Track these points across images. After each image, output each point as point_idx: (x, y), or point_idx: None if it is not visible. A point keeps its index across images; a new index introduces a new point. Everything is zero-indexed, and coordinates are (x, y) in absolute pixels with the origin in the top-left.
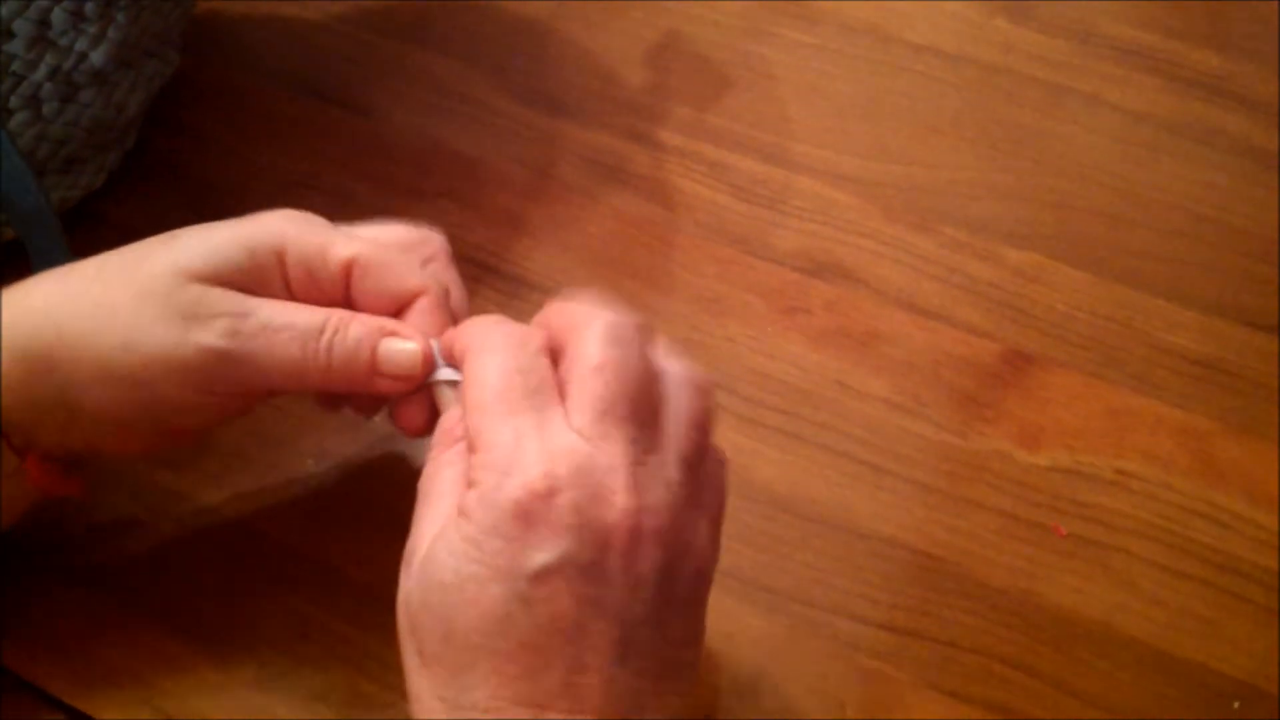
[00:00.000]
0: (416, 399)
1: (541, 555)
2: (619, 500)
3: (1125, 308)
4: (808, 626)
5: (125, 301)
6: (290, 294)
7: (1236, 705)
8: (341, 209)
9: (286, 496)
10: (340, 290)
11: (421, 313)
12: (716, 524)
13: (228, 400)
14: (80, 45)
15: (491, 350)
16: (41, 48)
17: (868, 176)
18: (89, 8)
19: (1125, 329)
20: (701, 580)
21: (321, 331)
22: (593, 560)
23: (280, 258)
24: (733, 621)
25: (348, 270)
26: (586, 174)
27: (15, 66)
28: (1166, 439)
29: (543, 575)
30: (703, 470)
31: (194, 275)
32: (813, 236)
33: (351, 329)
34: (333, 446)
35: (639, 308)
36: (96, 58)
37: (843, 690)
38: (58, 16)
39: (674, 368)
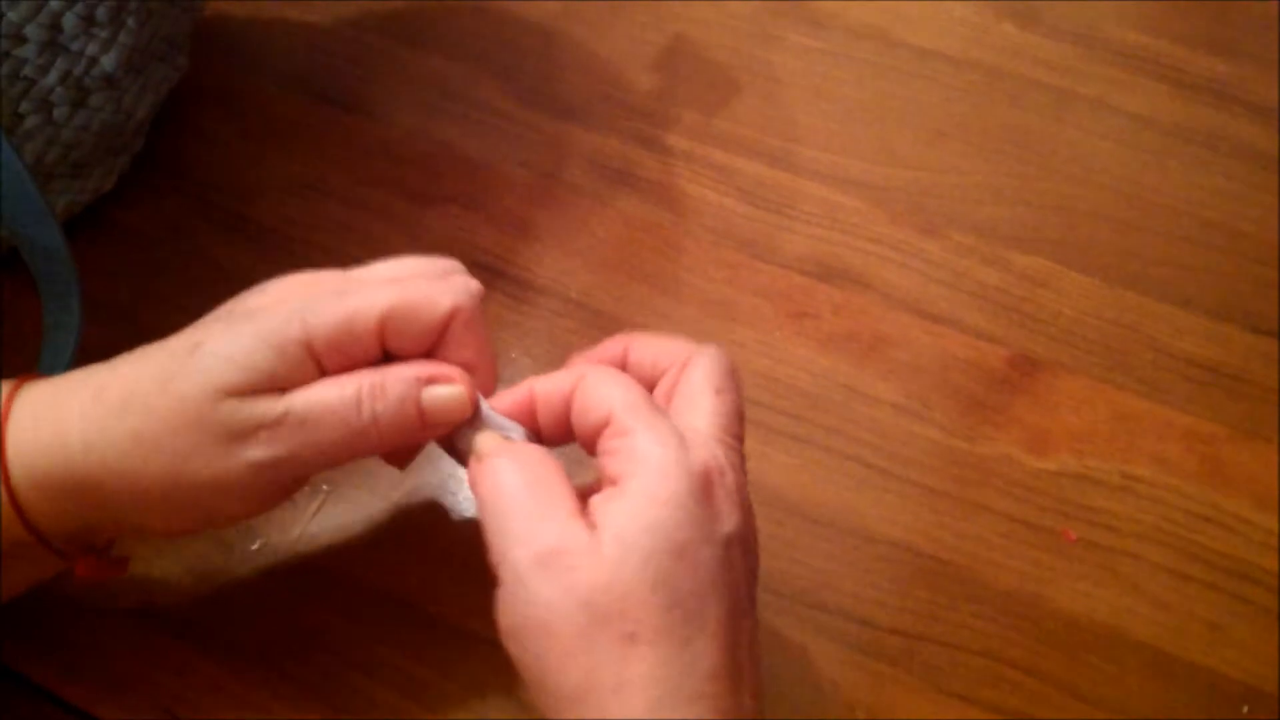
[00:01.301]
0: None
1: (728, 523)
2: (747, 496)
3: (1132, 313)
4: (817, 630)
5: (163, 435)
6: (324, 372)
7: (1245, 709)
8: (350, 212)
9: (296, 504)
10: (376, 350)
11: (455, 334)
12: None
13: (286, 489)
14: (91, 50)
15: (624, 385)
16: (53, 53)
17: (874, 181)
18: (100, 13)
19: (1132, 334)
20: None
21: (358, 401)
22: (746, 535)
23: (308, 355)
24: None
25: (382, 330)
26: (594, 178)
27: (26, 71)
28: (1173, 444)
29: (730, 541)
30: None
31: (227, 392)
32: (820, 241)
33: (390, 390)
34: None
35: (646, 312)
36: (107, 62)
37: (852, 693)
38: (69, 22)
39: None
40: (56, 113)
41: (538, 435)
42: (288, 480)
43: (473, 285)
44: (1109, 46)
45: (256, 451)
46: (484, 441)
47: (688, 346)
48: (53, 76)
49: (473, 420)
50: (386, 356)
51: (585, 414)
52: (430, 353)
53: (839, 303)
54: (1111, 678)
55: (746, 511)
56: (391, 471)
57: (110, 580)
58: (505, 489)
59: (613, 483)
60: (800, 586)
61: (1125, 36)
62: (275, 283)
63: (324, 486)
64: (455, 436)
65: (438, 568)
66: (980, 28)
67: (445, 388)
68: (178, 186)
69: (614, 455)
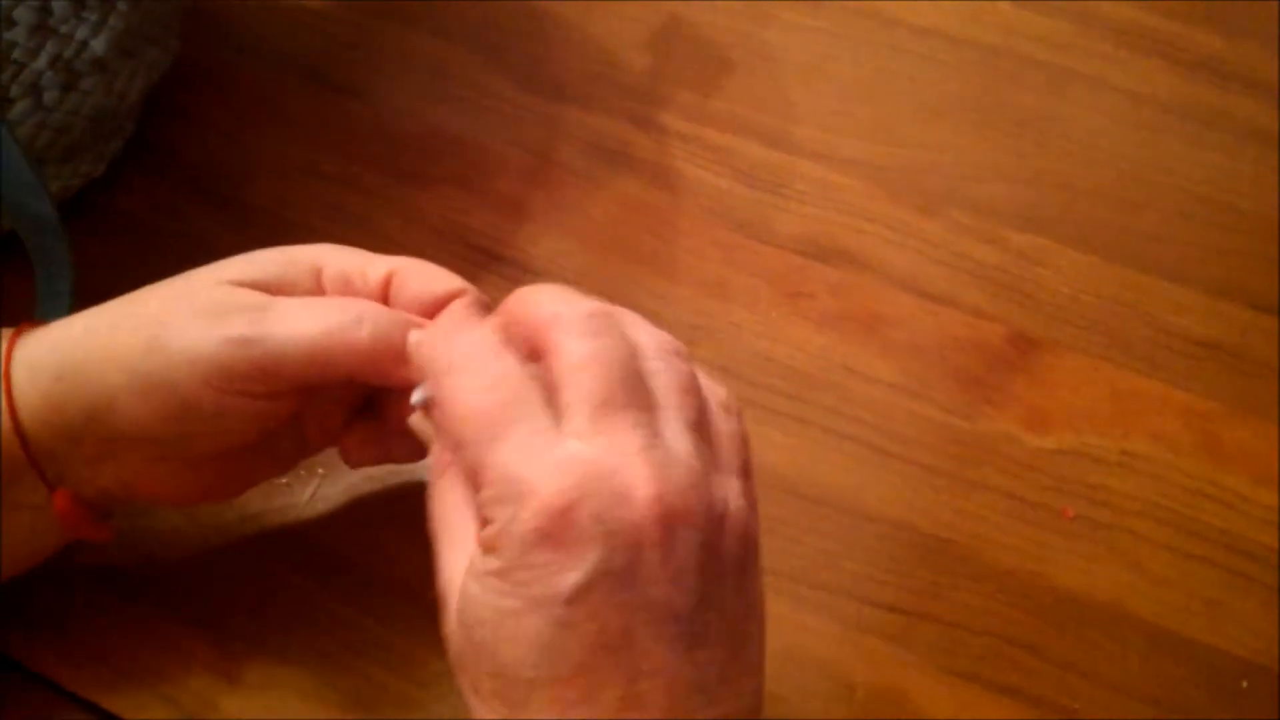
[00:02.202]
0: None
1: (573, 575)
2: (639, 493)
3: (1130, 290)
4: (816, 609)
5: (155, 306)
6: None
7: (1244, 684)
8: (343, 194)
9: (294, 487)
10: (377, 299)
11: (453, 313)
12: (747, 477)
13: (250, 409)
14: (81, 33)
15: (458, 369)
16: (43, 36)
17: (871, 160)
18: None
19: (1130, 311)
20: (747, 544)
21: (346, 309)
22: (627, 564)
23: (317, 275)
24: None
25: (387, 283)
26: (589, 159)
27: (16, 55)
28: (1172, 420)
29: (579, 594)
30: (712, 430)
31: (227, 281)
32: (817, 221)
33: (384, 313)
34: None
35: (643, 293)
36: (98, 45)
37: (852, 673)
38: (59, 4)
39: (644, 339)
40: (47, 97)
41: None
42: (256, 379)
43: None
44: (1107, 24)
45: (232, 329)
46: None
47: (555, 307)
48: (42, 60)
49: None
50: None
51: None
52: None
53: (836, 282)
54: (1111, 654)
55: (625, 530)
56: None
57: (94, 545)
58: (434, 523)
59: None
60: (799, 566)
61: (1123, 13)
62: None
63: (319, 469)
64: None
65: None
66: (977, 5)
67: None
68: (170, 170)
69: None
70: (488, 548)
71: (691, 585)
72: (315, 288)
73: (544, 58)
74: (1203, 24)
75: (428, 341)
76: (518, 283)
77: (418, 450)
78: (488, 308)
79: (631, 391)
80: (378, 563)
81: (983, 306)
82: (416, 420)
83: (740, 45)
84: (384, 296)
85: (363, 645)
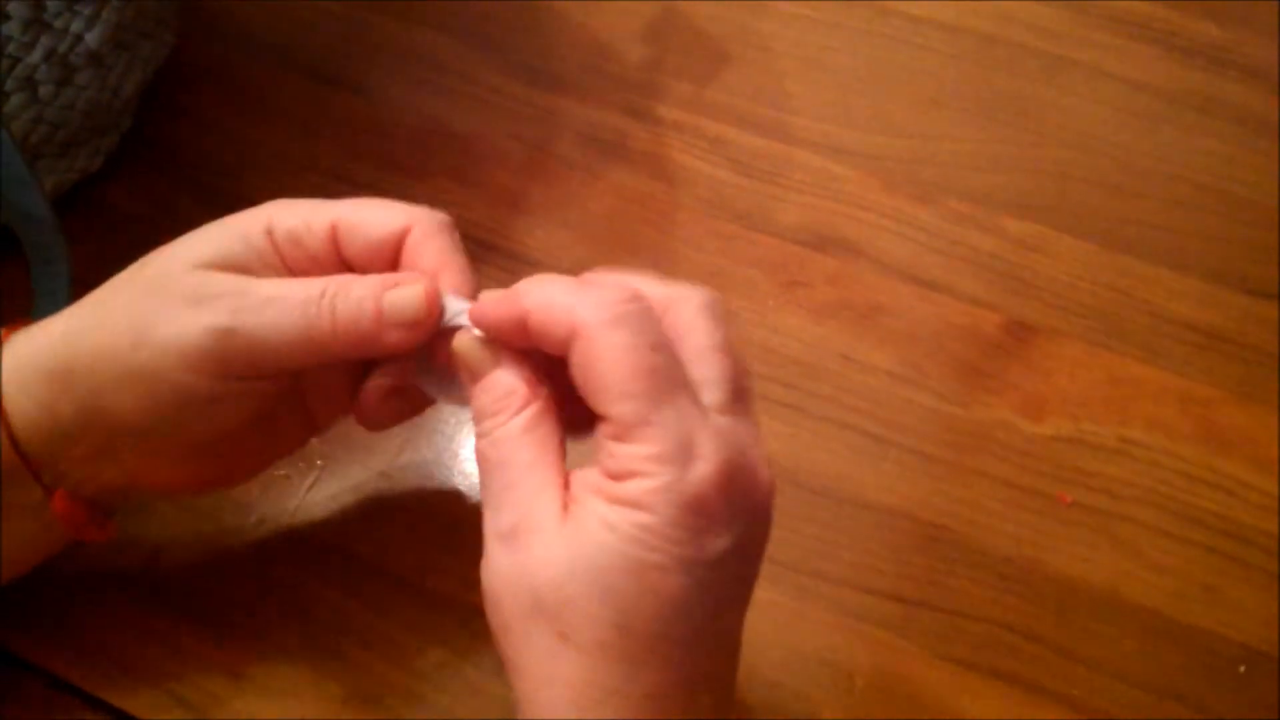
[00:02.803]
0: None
1: (721, 542)
2: (762, 476)
3: (1127, 277)
4: (815, 598)
5: (132, 300)
6: (290, 274)
7: (1242, 669)
8: (340, 188)
9: (293, 479)
10: (334, 258)
11: (415, 245)
12: None
13: (243, 391)
14: (76, 27)
15: (615, 324)
16: (37, 30)
17: (868, 149)
18: None
19: (1127, 298)
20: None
21: (322, 295)
22: (751, 540)
23: (272, 238)
24: None
25: (334, 235)
26: (585, 150)
27: (10, 49)
28: (1169, 407)
29: (721, 560)
30: None
31: (195, 264)
32: (814, 210)
33: (354, 287)
34: (337, 427)
35: None
36: (92, 39)
37: (851, 661)
38: None
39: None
40: (41, 91)
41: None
42: (243, 365)
43: (438, 214)
44: (1102, 11)
45: (214, 316)
46: (467, 347)
47: (676, 289)
48: (37, 54)
49: (441, 336)
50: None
51: (589, 397)
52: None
53: (833, 272)
54: (1109, 641)
55: (754, 509)
56: (386, 445)
57: (97, 545)
58: (485, 456)
59: (602, 467)
60: (797, 555)
61: (1117, 1)
62: (266, 203)
63: (318, 461)
64: (426, 355)
65: (434, 542)
66: None
67: (405, 289)
68: (166, 165)
69: (610, 447)
70: (634, 503)
71: (740, 588)
72: (277, 260)
73: (540, 50)
74: (1199, 11)
75: (564, 290)
76: (515, 275)
77: (427, 399)
78: (446, 234)
79: (748, 378)
80: (378, 555)
81: (980, 294)
82: (469, 346)
83: (736, 36)
84: (334, 250)
85: (364, 638)
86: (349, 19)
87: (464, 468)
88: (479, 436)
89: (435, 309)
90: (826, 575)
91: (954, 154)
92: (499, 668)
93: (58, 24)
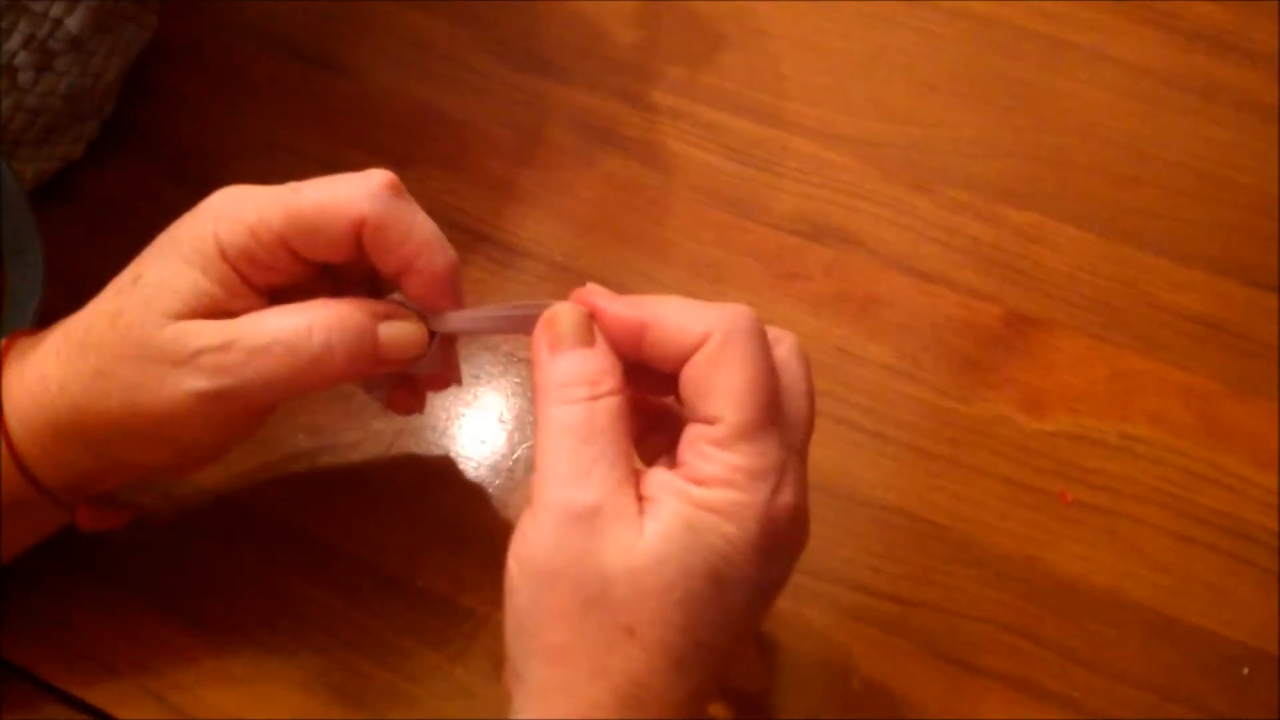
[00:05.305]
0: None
1: (775, 572)
2: (809, 525)
3: (1128, 268)
4: (812, 597)
5: (116, 366)
6: (256, 289)
7: (1245, 671)
8: (326, 175)
9: (280, 472)
10: (294, 264)
11: (377, 235)
12: None
13: (247, 421)
14: (55, 11)
15: (750, 335)
16: (15, 14)
17: (865, 136)
18: None
19: (1128, 289)
20: None
21: (309, 332)
22: (785, 578)
23: (227, 260)
24: None
25: (285, 246)
26: (577, 137)
27: None
28: (1172, 401)
29: (770, 589)
30: None
31: (168, 316)
32: (810, 199)
33: (348, 323)
34: (325, 421)
35: (633, 275)
36: (72, 24)
37: (847, 661)
38: None
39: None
40: (21, 77)
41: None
42: (241, 410)
43: (379, 182)
44: None
45: (200, 381)
46: (573, 317)
47: (772, 330)
48: (15, 40)
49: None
50: (335, 273)
51: (700, 399)
52: (359, 257)
53: (829, 262)
54: (1110, 641)
55: (798, 551)
56: (377, 443)
57: (109, 533)
58: (570, 425)
59: (684, 465)
60: None
61: None
62: (208, 199)
63: (307, 460)
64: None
65: (425, 542)
66: None
67: (402, 325)
68: (149, 151)
69: (707, 451)
70: (720, 511)
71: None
72: (234, 277)
73: (532, 33)
74: None
75: (691, 306)
76: (506, 265)
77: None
78: (401, 188)
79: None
80: (368, 555)
81: (978, 286)
82: (575, 316)
83: (732, 19)
84: (288, 255)
85: (351, 638)
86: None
87: (457, 467)
88: (567, 402)
89: (427, 344)
90: (823, 573)
91: (952, 141)
92: (490, 670)
93: (37, 8)
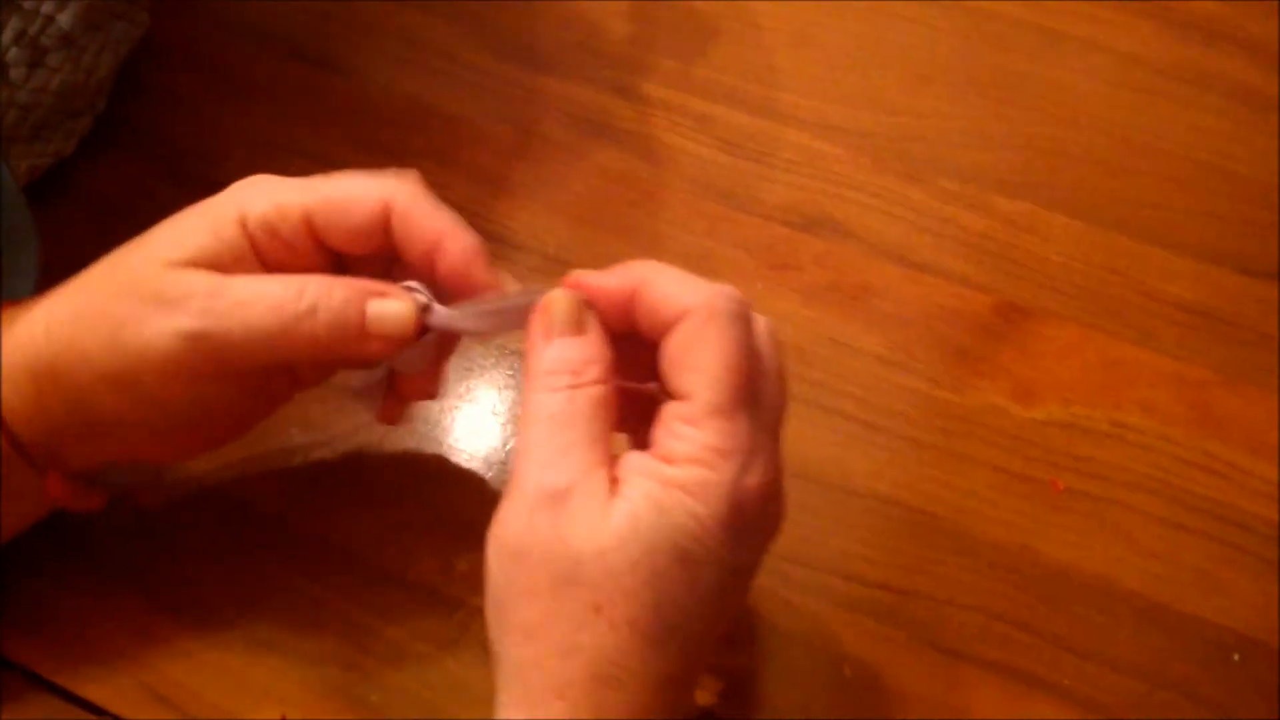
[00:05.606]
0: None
1: (746, 553)
2: (783, 507)
3: (1120, 257)
4: (803, 587)
5: (105, 303)
6: (267, 267)
7: (1236, 658)
8: (319, 171)
9: (272, 467)
10: (310, 246)
11: (404, 222)
12: None
13: (222, 389)
14: (47, 8)
15: (731, 316)
16: (7, 11)
17: (857, 127)
18: None
19: (1121, 279)
20: None
21: (299, 297)
22: (757, 562)
23: (245, 228)
24: None
25: (308, 223)
26: (570, 130)
27: None
28: (1163, 390)
29: (741, 570)
30: None
31: (167, 263)
32: (802, 190)
33: (336, 291)
34: (317, 416)
35: None
36: (64, 20)
37: (839, 651)
38: None
39: None
40: (13, 73)
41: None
42: (218, 368)
43: (407, 177)
44: None
45: (184, 320)
46: (566, 303)
47: (750, 314)
48: (7, 35)
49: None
50: (349, 270)
51: (676, 374)
52: (385, 251)
53: (821, 253)
54: (1102, 629)
55: (770, 534)
56: (369, 437)
57: (85, 541)
58: (552, 410)
59: (656, 444)
60: (785, 543)
61: None
62: (237, 181)
63: (300, 453)
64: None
65: (417, 534)
66: None
67: (391, 302)
68: (141, 148)
69: (679, 429)
70: (687, 490)
71: (738, 600)
72: (252, 252)
73: (523, 26)
74: None
75: (679, 279)
76: (500, 258)
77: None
78: (424, 185)
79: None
80: (360, 547)
81: (970, 275)
82: (569, 303)
83: (724, 11)
84: (310, 237)
85: (343, 629)
86: None
87: (450, 460)
88: (550, 390)
89: (419, 326)
90: (814, 563)
91: (944, 131)
92: (481, 660)
93: (29, 4)
